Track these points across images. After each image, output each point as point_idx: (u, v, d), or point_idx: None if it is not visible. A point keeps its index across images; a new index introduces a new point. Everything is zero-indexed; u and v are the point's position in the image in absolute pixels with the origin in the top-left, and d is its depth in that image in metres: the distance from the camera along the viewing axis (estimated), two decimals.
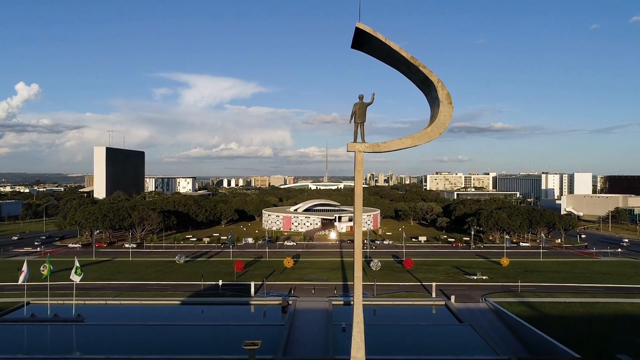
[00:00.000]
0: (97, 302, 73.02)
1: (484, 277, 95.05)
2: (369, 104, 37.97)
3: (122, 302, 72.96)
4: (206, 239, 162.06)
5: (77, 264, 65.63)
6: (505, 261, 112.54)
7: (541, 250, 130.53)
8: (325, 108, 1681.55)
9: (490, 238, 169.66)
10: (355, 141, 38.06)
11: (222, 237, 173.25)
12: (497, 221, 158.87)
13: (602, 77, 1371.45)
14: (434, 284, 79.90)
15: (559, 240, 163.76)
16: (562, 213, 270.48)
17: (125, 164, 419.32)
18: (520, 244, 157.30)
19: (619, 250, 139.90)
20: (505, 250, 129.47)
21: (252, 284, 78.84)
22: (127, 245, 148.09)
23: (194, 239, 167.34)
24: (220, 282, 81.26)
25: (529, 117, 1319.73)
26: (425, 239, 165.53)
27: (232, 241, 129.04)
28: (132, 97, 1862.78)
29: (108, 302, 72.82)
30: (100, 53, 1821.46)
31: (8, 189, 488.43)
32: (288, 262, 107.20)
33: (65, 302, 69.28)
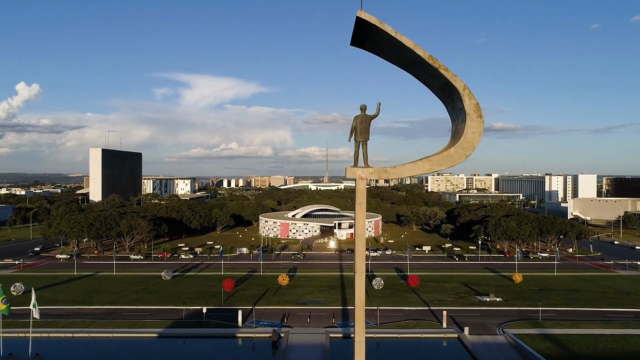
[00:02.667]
0: (63, 335, 64.44)
1: (497, 299, 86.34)
2: (374, 116, 29.19)
3: (92, 335, 64.35)
4: (198, 249, 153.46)
5: (33, 298, 56.49)
6: (518, 277, 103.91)
7: (555, 262, 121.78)
8: (325, 108, 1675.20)
9: (498, 247, 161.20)
10: (355, 165, 29.38)
11: (215, 246, 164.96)
12: (505, 230, 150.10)
13: (602, 77, 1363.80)
14: (444, 312, 71.12)
15: (571, 249, 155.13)
16: (569, 217, 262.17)
17: (122, 166, 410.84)
18: (540, 255, 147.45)
19: (639, 262, 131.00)
20: (516, 262, 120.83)
21: (240, 312, 70.14)
22: (184, 256, 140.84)
23: (186, 248, 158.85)
24: (204, 309, 72.60)
25: (530, 117, 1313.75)
26: (430, 249, 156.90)
27: (223, 254, 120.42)
28: (133, 97, 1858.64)
29: (75, 335, 64.27)
30: (101, 53, 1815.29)
31: (4, 190, 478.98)
32: (283, 279, 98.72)
33: (27, 334, 60.61)
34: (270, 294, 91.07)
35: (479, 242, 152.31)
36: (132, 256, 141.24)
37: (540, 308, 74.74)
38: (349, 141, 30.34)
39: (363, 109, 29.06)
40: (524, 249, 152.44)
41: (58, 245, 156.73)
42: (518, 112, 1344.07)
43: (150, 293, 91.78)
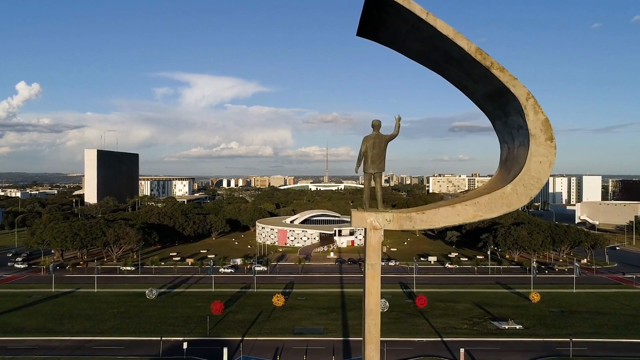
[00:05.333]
0: None
1: (517, 327, 77.16)
2: (392, 137, 19.49)
3: None
4: (189, 260, 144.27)
5: None
6: (535, 296, 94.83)
7: (574, 276, 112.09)
8: (326, 107, 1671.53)
9: (507, 256, 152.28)
10: (365, 207, 20.32)
11: (209, 256, 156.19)
12: (516, 240, 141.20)
13: (603, 76, 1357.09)
14: (462, 350, 61.93)
15: (585, 260, 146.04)
16: (576, 221, 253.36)
17: (118, 167, 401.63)
18: (557, 268, 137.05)
19: None
20: (532, 276, 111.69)
21: (225, 349, 60.91)
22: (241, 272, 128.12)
23: (178, 258, 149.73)
24: (185, 345, 63.47)
25: None
26: (436, 259, 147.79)
27: (212, 270, 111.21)
28: (133, 97, 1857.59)
29: None
30: (101, 52, 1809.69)
31: None
32: (278, 300, 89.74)
33: None
34: (263, 319, 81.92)
35: (488, 253, 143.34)
36: (226, 270, 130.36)
37: (570, 340, 65.43)
38: (356, 172, 21.27)
39: (376, 126, 19.68)
40: (534, 259, 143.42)
41: (52, 253, 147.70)
42: None
43: (130, 317, 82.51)
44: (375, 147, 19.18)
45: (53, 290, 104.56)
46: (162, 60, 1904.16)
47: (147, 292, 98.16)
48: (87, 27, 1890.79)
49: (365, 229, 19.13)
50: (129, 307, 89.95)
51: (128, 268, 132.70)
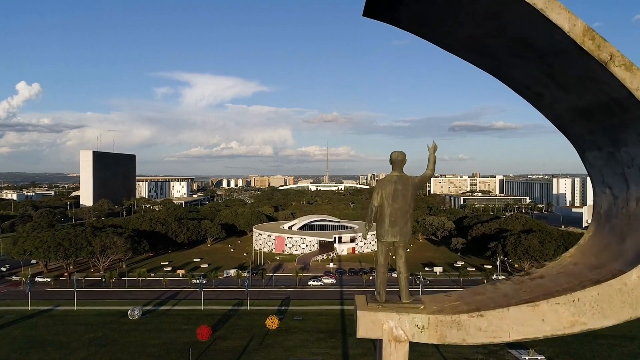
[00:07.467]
0: None
1: (539, 357, 69.06)
2: (424, 180, 10.48)
3: None
4: (180, 272, 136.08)
5: None
6: None
7: None
8: (326, 107, 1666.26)
9: (516, 266, 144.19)
10: (380, 302, 11.78)
11: (202, 265, 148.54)
12: (527, 249, 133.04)
13: None
14: None
15: None
16: (583, 225, 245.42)
17: (114, 169, 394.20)
18: None
19: None
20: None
21: None
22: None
23: (169, 268, 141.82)
24: None
25: (531, 116, 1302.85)
26: (442, 270, 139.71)
27: (202, 285, 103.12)
28: (133, 97, 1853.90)
29: None
30: (102, 52, 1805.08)
31: None
32: (272, 322, 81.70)
33: None
34: (255, 346, 73.71)
35: (498, 263, 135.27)
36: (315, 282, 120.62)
37: None
38: (365, 238, 13.00)
39: (398, 162, 10.67)
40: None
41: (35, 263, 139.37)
42: (519, 111, 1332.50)
43: (106, 345, 74.21)
44: (397, 198, 10.49)
45: (29, 308, 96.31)
46: (162, 60, 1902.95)
47: (129, 311, 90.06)
48: (87, 27, 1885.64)
49: (383, 342, 10.96)
50: (108, 330, 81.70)
51: (196, 281, 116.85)
